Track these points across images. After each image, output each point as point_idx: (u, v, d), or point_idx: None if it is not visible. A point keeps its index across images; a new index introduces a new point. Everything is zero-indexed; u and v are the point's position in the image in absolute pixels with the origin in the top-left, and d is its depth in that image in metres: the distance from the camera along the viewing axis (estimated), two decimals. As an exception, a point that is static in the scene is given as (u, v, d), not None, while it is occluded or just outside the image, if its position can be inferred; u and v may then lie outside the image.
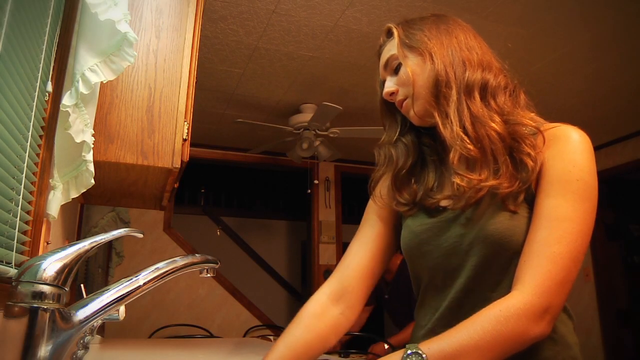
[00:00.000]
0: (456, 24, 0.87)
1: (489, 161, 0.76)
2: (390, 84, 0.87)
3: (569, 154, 0.75)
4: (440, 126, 0.80)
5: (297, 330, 0.85)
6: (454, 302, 0.80)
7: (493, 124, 0.77)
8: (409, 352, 0.65)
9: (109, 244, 3.59)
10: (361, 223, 0.97)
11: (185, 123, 1.32)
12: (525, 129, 0.78)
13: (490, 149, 0.76)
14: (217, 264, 0.72)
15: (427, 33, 0.84)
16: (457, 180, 0.78)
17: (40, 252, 1.06)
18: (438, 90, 0.81)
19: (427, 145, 0.91)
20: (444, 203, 0.83)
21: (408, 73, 0.83)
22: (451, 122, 0.79)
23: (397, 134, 0.91)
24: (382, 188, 0.93)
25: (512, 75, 0.85)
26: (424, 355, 0.65)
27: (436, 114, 0.81)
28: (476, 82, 0.80)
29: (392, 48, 0.87)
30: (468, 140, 0.77)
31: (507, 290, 0.73)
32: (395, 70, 0.87)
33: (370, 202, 0.96)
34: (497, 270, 0.76)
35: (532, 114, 0.81)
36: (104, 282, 3.33)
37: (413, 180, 0.90)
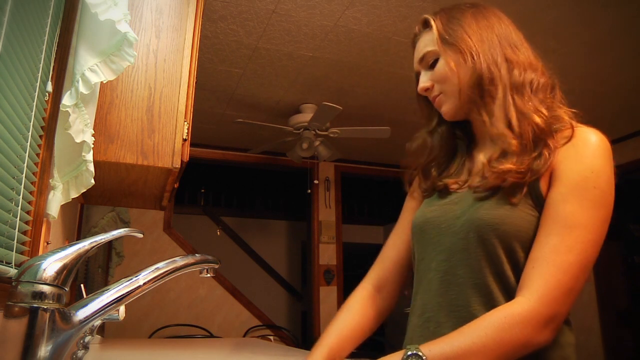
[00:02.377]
0: (496, 17, 0.86)
1: (524, 153, 0.76)
2: (424, 79, 0.87)
3: (587, 158, 0.73)
4: (488, 124, 0.80)
5: (349, 313, 0.91)
6: (438, 284, 0.80)
7: (538, 119, 0.76)
8: (409, 353, 0.65)
9: (109, 244, 3.58)
10: (400, 216, 1.01)
11: (185, 123, 1.32)
12: (558, 125, 0.77)
13: (530, 142, 0.76)
14: (217, 264, 0.72)
15: (466, 29, 0.83)
16: (488, 172, 0.78)
17: (40, 252, 1.06)
18: (482, 89, 0.80)
19: (459, 137, 0.93)
20: (453, 187, 0.85)
21: (447, 70, 0.83)
22: (497, 119, 0.78)
23: (433, 125, 0.93)
24: (416, 175, 0.96)
25: (552, 73, 0.85)
26: (423, 357, 0.64)
27: (483, 112, 0.81)
28: (525, 82, 0.79)
29: (429, 43, 0.86)
30: (512, 136, 0.76)
31: (489, 278, 0.73)
32: (431, 66, 0.86)
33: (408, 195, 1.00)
34: (481, 256, 0.75)
35: (571, 111, 0.81)
36: (104, 282, 3.32)
37: (439, 171, 0.92)
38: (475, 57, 0.80)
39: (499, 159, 0.77)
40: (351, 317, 0.91)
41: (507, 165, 0.75)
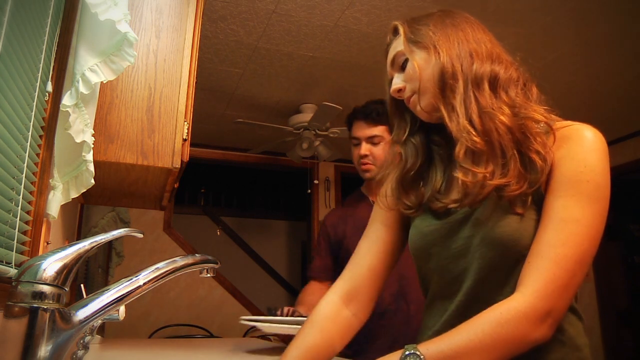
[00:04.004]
0: (463, 17, 0.85)
1: (496, 155, 0.73)
2: (397, 81, 0.85)
3: (580, 154, 0.72)
4: (447, 119, 0.77)
5: (310, 333, 0.85)
6: (461, 305, 0.78)
7: (502, 117, 0.74)
8: (407, 352, 0.65)
9: (109, 244, 3.58)
10: (369, 222, 0.95)
11: (185, 123, 1.32)
12: (536, 125, 0.75)
13: (498, 142, 0.73)
14: (217, 264, 0.72)
15: (432, 27, 0.82)
16: (460, 175, 0.75)
17: (40, 252, 1.06)
18: (444, 83, 0.78)
19: (437, 143, 0.89)
20: (451, 206, 0.81)
21: (414, 68, 0.81)
22: (457, 115, 0.76)
23: (406, 134, 0.89)
24: (387, 189, 0.91)
25: (524, 69, 0.82)
26: (421, 357, 0.64)
27: (442, 107, 0.78)
28: (485, 74, 0.77)
29: (398, 45, 0.85)
30: (474, 133, 0.73)
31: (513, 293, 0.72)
32: (402, 67, 0.85)
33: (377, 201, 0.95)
34: (503, 273, 0.75)
35: (544, 109, 0.77)
36: (104, 282, 3.32)
37: (421, 183, 0.88)
38: (440, 53, 0.79)
39: (473, 165, 0.74)
40: (313, 336, 0.84)
41: (496, 180, 0.72)
